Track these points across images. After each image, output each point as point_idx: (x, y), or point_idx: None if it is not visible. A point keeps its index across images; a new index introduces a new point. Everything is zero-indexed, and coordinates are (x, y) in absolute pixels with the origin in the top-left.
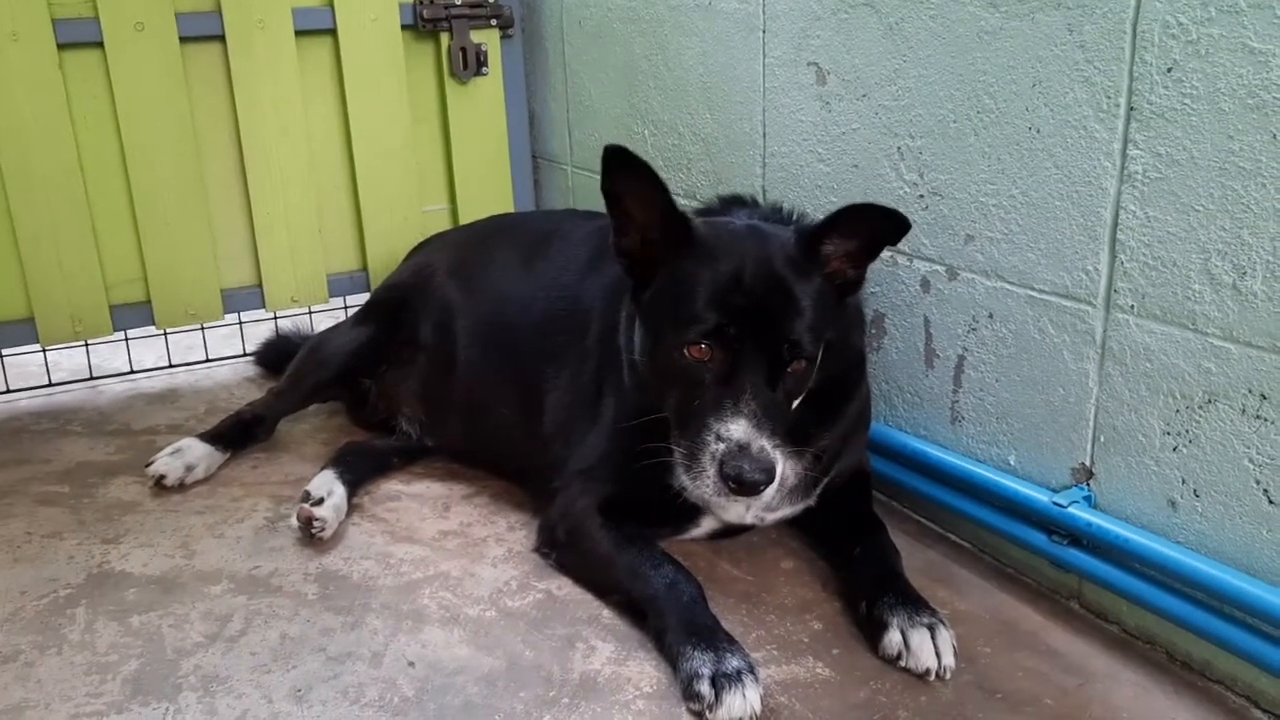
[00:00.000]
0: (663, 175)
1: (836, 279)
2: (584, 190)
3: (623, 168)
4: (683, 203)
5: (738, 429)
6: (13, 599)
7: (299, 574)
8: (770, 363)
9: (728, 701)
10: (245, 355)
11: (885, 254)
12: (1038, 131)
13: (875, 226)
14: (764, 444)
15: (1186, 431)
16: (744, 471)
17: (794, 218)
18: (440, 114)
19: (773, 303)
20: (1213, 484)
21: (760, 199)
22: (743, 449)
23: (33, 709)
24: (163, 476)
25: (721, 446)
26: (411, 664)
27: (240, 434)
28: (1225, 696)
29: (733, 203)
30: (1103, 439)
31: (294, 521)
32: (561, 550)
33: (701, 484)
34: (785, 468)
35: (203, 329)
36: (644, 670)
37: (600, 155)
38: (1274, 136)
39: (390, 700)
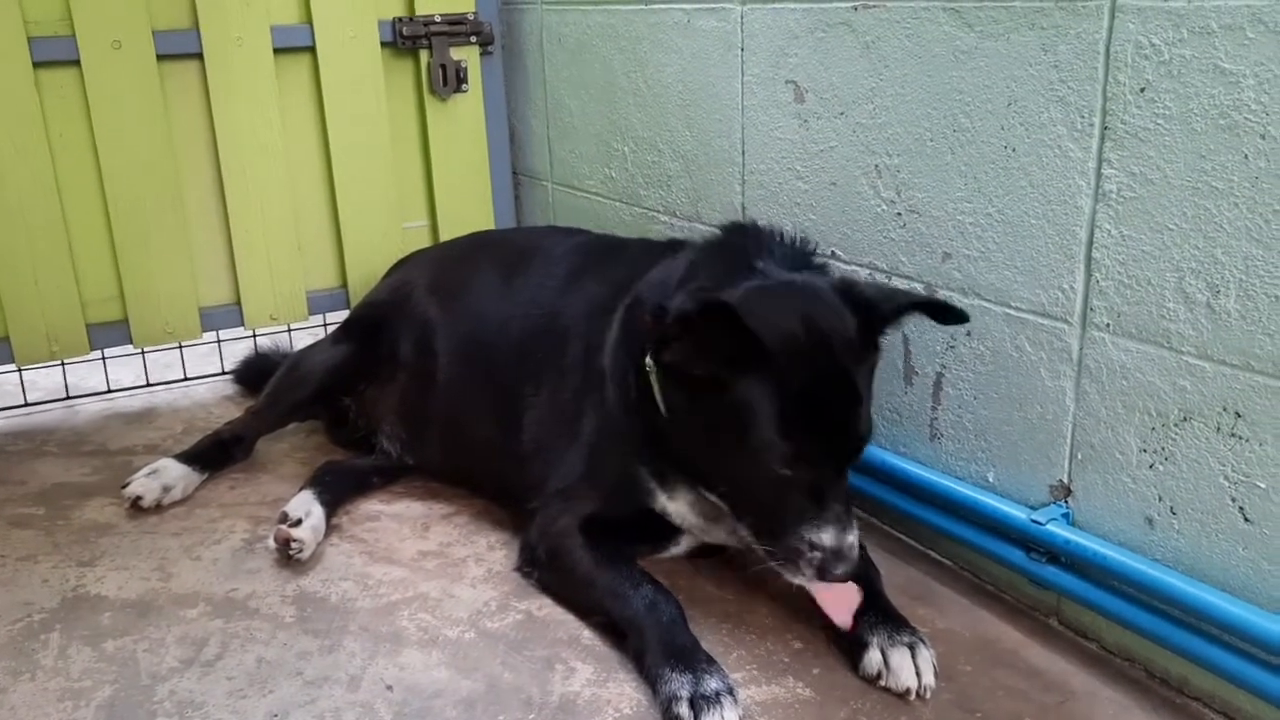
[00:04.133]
0: (642, 191)
1: None
2: (565, 207)
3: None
4: (663, 219)
5: (829, 537)
6: None
7: (276, 596)
8: (841, 463)
9: None
10: (224, 374)
11: (863, 271)
12: (1013, 150)
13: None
14: (851, 540)
15: (1163, 449)
16: (837, 574)
17: (810, 249)
18: (420, 131)
19: (845, 413)
20: (1189, 501)
21: (746, 216)
22: (836, 553)
23: None
24: (139, 498)
25: (817, 555)
26: (389, 687)
27: (218, 454)
28: (1203, 713)
29: (738, 235)
30: (1080, 456)
31: (271, 543)
32: (542, 570)
33: (798, 578)
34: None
35: (181, 347)
36: (624, 692)
37: (580, 169)
38: (1246, 157)
39: None
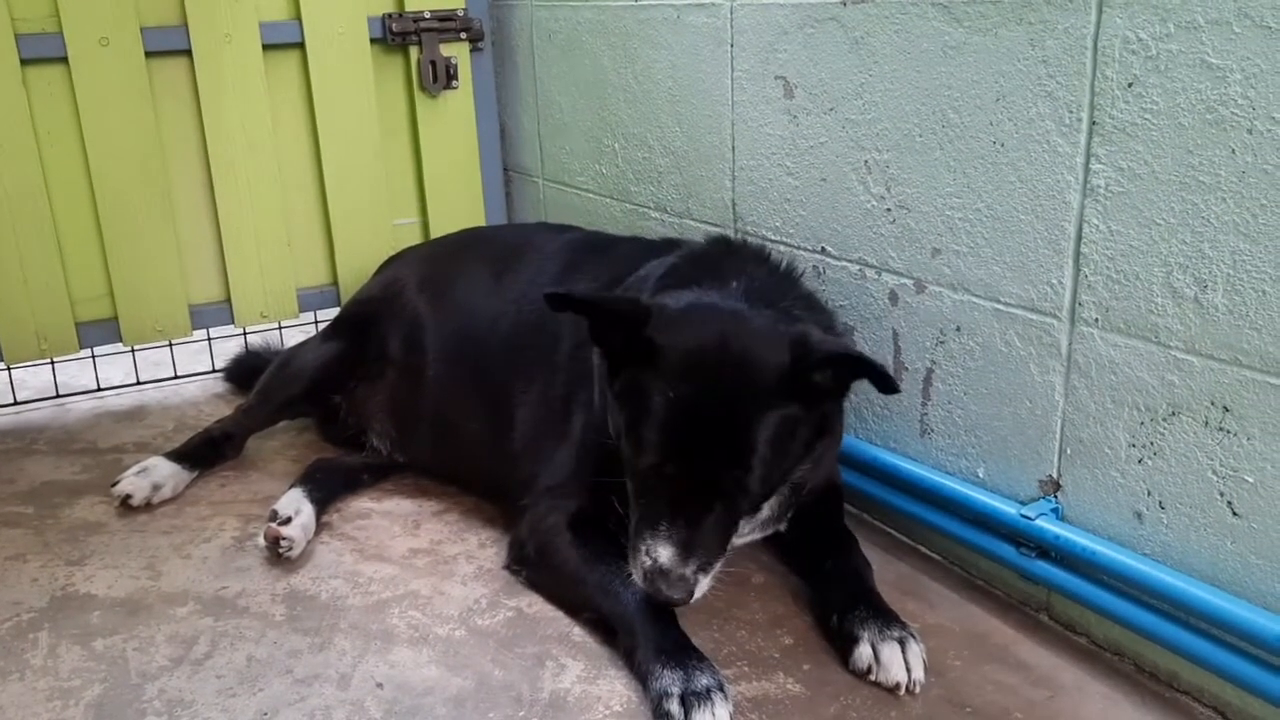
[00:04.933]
0: (633, 188)
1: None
2: (556, 203)
3: (568, 308)
4: (654, 215)
5: (663, 554)
6: None
7: (266, 594)
8: (714, 498)
9: None
10: (214, 372)
11: (853, 267)
12: (1002, 146)
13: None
14: (684, 572)
15: (1151, 444)
16: (660, 591)
17: (793, 275)
18: (410, 128)
19: (723, 448)
20: (1177, 496)
21: (738, 224)
22: (663, 572)
23: None
24: (129, 496)
25: (648, 561)
26: (380, 685)
27: (208, 452)
28: (1193, 708)
29: (723, 248)
30: (1069, 451)
31: (261, 541)
32: (531, 567)
33: (631, 572)
34: (708, 583)
35: (171, 345)
36: (614, 689)
37: (571, 165)
38: (1232, 151)
39: None
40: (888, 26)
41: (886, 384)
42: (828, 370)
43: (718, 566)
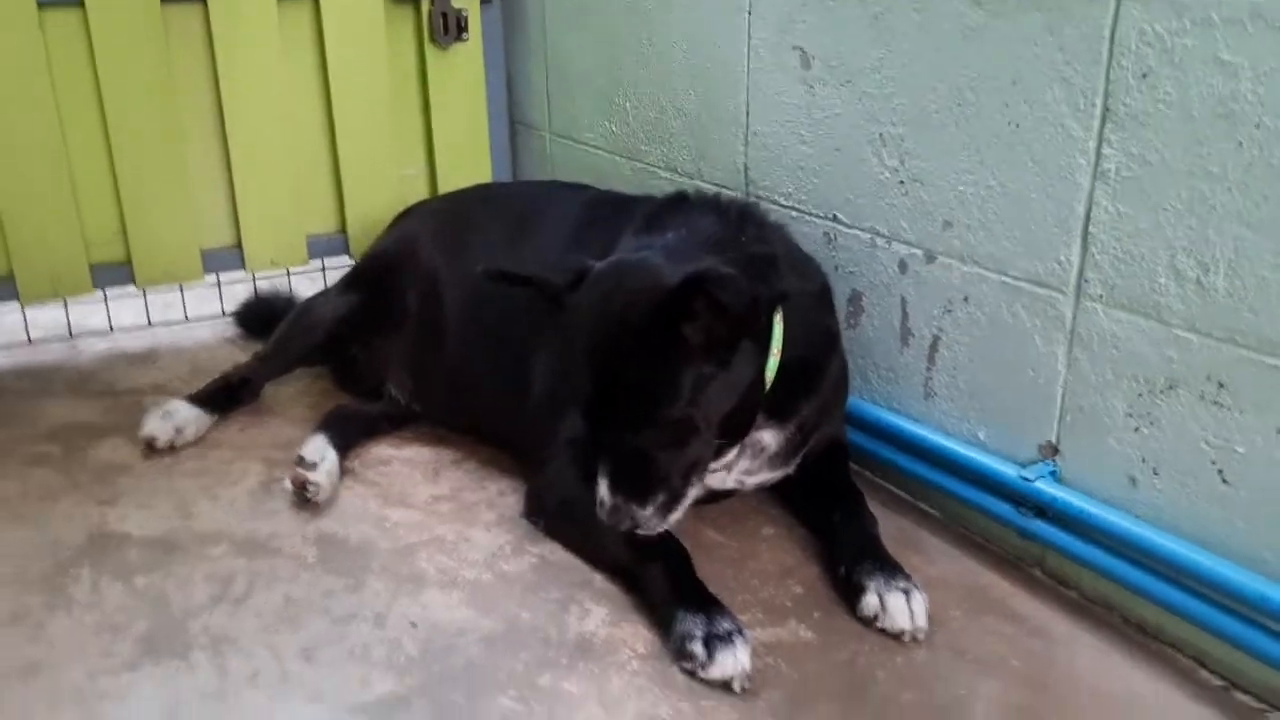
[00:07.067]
0: (643, 147)
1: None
2: (562, 158)
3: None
4: (664, 175)
5: (602, 489)
6: (15, 560)
7: (297, 537)
8: (627, 434)
9: (720, 660)
10: (224, 315)
11: (864, 235)
12: (1017, 126)
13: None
14: (618, 503)
15: (1148, 414)
16: (608, 520)
17: (750, 217)
18: (420, 79)
19: (615, 387)
20: (1171, 463)
21: (741, 179)
22: (602, 505)
23: (49, 668)
24: (153, 438)
25: (596, 495)
26: (414, 625)
27: (227, 397)
28: (1176, 658)
29: (677, 201)
30: (1069, 418)
31: (288, 484)
32: (551, 518)
33: None
34: (653, 512)
35: (181, 288)
36: (637, 632)
37: (580, 121)
38: (1240, 144)
39: (397, 660)
40: (908, 5)
41: (721, 306)
42: (700, 300)
43: (660, 497)
